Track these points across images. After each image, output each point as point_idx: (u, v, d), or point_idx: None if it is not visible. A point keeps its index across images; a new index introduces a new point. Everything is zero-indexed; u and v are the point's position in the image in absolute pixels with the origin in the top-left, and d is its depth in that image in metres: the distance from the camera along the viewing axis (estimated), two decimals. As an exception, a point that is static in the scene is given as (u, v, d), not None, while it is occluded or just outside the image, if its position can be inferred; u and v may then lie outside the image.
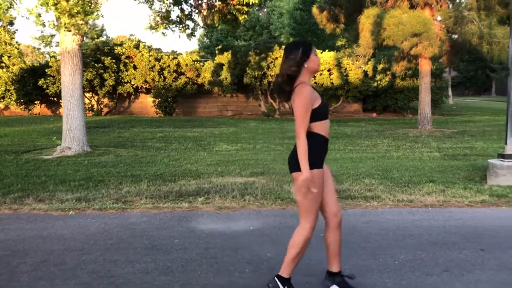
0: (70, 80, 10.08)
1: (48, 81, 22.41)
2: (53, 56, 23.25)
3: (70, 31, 9.25)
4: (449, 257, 4.24)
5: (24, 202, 6.12)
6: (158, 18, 12.32)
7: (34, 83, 22.85)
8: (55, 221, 5.33)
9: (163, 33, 12.69)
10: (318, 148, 3.21)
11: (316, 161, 3.18)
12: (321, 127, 3.23)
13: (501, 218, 5.55)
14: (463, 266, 4.04)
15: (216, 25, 14.00)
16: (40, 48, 28.26)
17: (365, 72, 22.99)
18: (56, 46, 10.00)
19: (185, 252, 4.36)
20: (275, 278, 3.34)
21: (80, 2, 8.37)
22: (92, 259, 4.18)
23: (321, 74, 22.12)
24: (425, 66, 16.18)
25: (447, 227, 5.15)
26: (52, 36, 10.31)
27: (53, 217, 5.52)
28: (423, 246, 4.51)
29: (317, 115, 3.19)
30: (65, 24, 8.79)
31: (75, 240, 4.71)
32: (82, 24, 9.00)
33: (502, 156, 7.50)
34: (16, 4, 9.75)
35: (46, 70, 22.48)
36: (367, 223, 5.32)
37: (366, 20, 14.93)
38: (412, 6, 15.37)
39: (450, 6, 16.13)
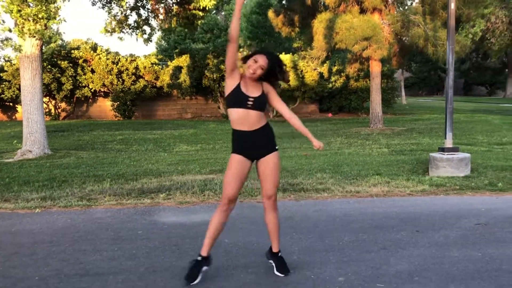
0: (30, 84, 10.22)
1: (3, 86, 22.11)
2: (8, 60, 22.89)
3: (34, 36, 9.43)
4: (387, 237, 4.76)
5: (-11, 202, 6.32)
6: (114, 23, 12.55)
7: (-11, 88, 22.49)
8: (22, 218, 5.59)
9: (120, 38, 12.94)
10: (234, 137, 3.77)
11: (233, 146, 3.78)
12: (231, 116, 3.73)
13: (437, 205, 6.13)
14: (399, 244, 4.56)
15: (173, 28, 14.31)
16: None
17: (321, 74, 23.68)
18: (15, 50, 9.98)
19: (148, 241, 4.73)
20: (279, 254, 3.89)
21: (43, 7, 8.57)
22: (61, 249, 4.49)
23: (278, 76, 22.65)
24: (375, 68, 16.95)
25: (388, 213, 5.69)
26: (9, 39, 10.35)
27: (20, 215, 5.77)
28: (365, 229, 5.02)
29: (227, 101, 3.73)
30: (29, 30, 8.97)
31: (43, 234, 4.99)
32: (45, 29, 9.18)
33: (442, 149, 8.17)
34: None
35: (1, 74, 22.16)
36: (317, 211, 5.81)
37: (319, 24, 15.57)
38: (363, 11, 16.09)
39: (398, 11, 16.95)
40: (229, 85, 3.67)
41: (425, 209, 5.91)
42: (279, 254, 3.88)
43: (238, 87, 3.65)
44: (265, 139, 3.75)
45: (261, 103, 3.67)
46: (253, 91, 3.66)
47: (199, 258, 3.74)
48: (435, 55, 15.62)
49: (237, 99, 3.64)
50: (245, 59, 3.75)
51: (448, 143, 8.19)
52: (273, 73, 3.73)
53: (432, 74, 55.63)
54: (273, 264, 3.87)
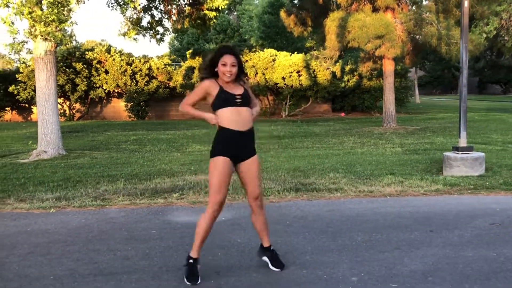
0: (44, 85, 10.33)
1: (19, 87, 22.36)
2: (24, 62, 23.15)
3: (46, 39, 9.52)
4: (401, 237, 4.74)
5: (5, 202, 6.40)
6: (129, 24, 12.65)
7: (5, 89, 22.76)
8: (38, 218, 5.65)
9: (135, 39, 13.04)
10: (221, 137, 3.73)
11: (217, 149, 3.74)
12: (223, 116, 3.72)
13: (451, 204, 6.09)
14: (413, 244, 4.53)
15: (186, 29, 14.38)
16: (10, 55, 27.95)
17: (333, 73, 23.62)
18: (27, 53, 10.13)
19: (162, 241, 4.75)
20: None
21: (55, 10, 8.66)
22: (76, 249, 4.54)
23: (290, 75, 22.68)
24: (388, 67, 16.86)
25: (402, 213, 5.66)
26: (24, 42, 10.47)
27: (35, 214, 5.83)
28: (379, 229, 5.00)
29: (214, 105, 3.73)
30: (40, 32, 9.05)
31: (58, 233, 5.05)
32: (56, 32, 9.28)
33: (456, 148, 8.10)
34: (-12, 12, 9.96)
35: (16, 76, 22.42)
36: (330, 211, 5.79)
37: (331, 23, 15.52)
38: (375, 10, 16.02)
39: (411, 9, 16.85)
40: (212, 93, 3.70)
41: (439, 208, 5.86)
42: (271, 247, 3.95)
43: (221, 89, 3.68)
44: (251, 141, 3.79)
45: (247, 99, 3.73)
46: (236, 90, 3.71)
47: (191, 261, 3.78)
48: (448, 54, 15.50)
49: (224, 99, 3.67)
50: (211, 69, 3.73)
51: (462, 142, 8.12)
52: (241, 66, 3.73)
53: (446, 72, 55.21)
54: (268, 260, 3.92)
